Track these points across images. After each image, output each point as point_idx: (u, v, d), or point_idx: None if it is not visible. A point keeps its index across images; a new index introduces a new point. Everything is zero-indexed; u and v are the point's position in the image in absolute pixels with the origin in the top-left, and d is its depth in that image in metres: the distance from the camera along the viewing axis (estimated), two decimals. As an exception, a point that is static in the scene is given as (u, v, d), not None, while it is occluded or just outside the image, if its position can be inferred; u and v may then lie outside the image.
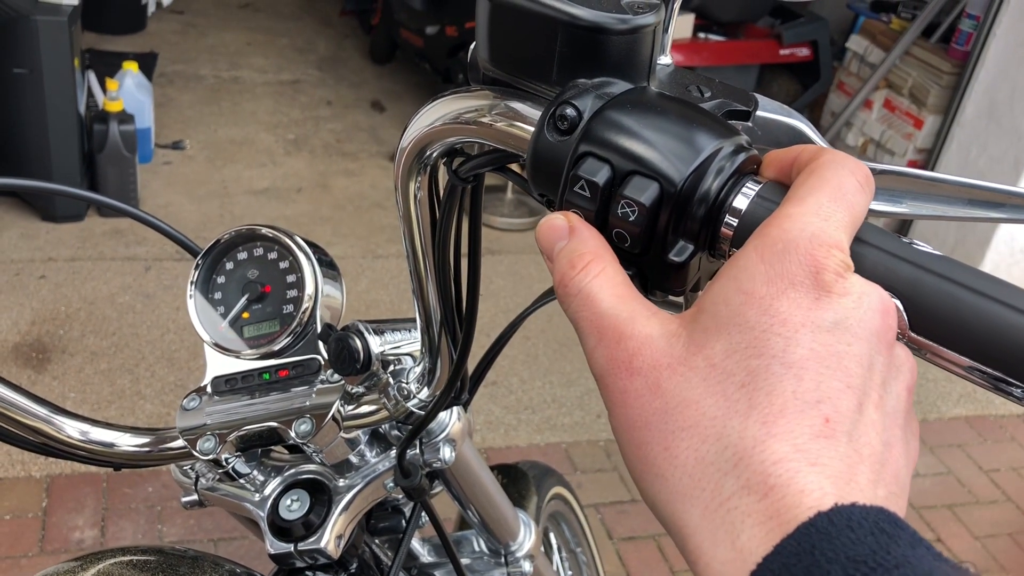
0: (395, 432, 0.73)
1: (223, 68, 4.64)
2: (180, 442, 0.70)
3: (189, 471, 0.76)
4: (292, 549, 0.69)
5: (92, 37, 4.49)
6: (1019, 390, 0.31)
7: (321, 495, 0.71)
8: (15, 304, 2.67)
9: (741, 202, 0.35)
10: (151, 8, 5.03)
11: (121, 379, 2.45)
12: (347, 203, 3.56)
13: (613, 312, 0.35)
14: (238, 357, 0.69)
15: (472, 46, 0.44)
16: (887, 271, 0.33)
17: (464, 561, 0.92)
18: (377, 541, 0.84)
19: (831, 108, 4.19)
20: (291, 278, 0.70)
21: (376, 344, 0.66)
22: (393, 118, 4.30)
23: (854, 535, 0.28)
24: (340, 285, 0.72)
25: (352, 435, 0.70)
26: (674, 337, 0.34)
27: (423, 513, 0.82)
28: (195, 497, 0.76)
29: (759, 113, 0.41)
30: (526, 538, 0.92)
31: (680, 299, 0.47)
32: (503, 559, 0.91)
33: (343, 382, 0.67)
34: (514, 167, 0.47)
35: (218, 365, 0.70)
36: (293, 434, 0.65)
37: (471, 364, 0.78)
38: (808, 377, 0.31)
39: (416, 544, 0.92)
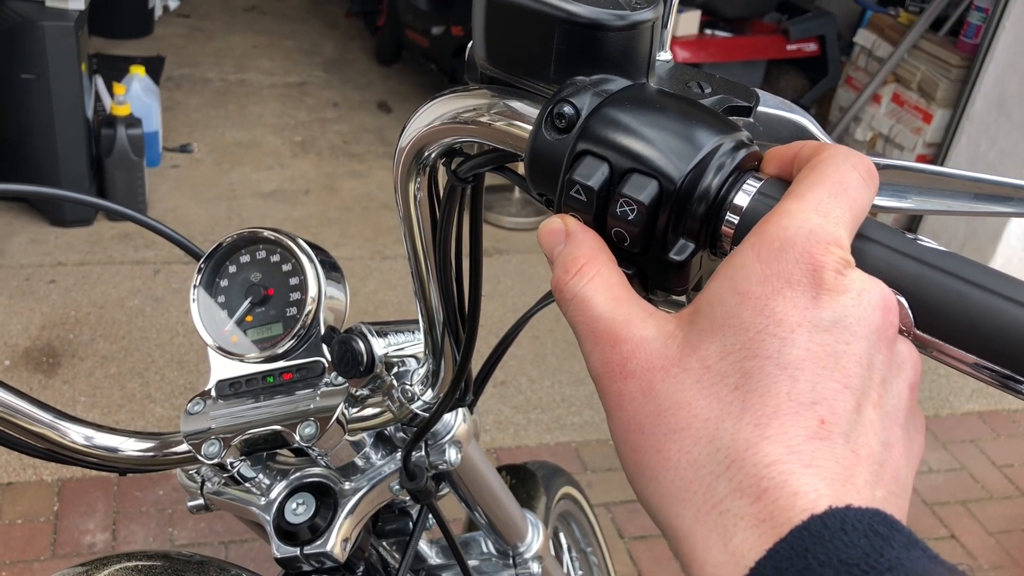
0: (400, 434, 0.73)
1: (229, 71, 4.65)
2: (185, 446, 0.70)
3: (195, 475, 0.76)
4: (298, 553, 0.69)
5: (99, 42, 4.51)
6: None
7: (327, 498, 0.71)
8: (25, 309, 2.68)
9: (742, 199, 0.35)
10: (158, 12, 5.04)
11: (131, 383, 2.45)
12: (354, 204, 3.56)
13: (608, 315, 0.35)
14: (242, 360, 0.69)
15: (470, 45, 0.43)
16: (890, 267, 0.32)
17: (472, 563, 0.92)
18: (384, 544, 0.84)
19: (839, 103, 4.17)
20: (294, 281, 0.69)
21: (379, 346, 0.66)
22: (400, 119, 4.29)
23: (847, 538, 0.27)
24: (343, 287, 0.71)
25: (357, 438, 0.69)
26: (669, 339, 0.34)
27: (430, 515, 0.81)
28: (201, 501, 0.75)
29: (760, 109, 0.40)
30: (534, 539, 0.91)
31: (682, 298, 0.46)
32: (511, 560, 0.91)
33: (347, 385, 0.66)
34: (513, 166, 0.46)
35: (222, 369, 0.70)
36: (298, 437, 0.65)
37: (476, 365, 0.78)
38: (804, 378, 0.30)
39: (423, 546, 0.92)
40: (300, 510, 0.70)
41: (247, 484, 0.72)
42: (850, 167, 0.34)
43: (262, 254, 0.71)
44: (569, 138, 0.37)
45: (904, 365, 0.33)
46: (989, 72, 3.42)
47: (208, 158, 3.75)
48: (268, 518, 0.70)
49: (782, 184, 0.35)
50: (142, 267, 2.96)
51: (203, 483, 0.75)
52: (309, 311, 0.67)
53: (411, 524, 0.83)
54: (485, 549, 0.93)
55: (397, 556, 0.83)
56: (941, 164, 3.35)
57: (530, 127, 0.39)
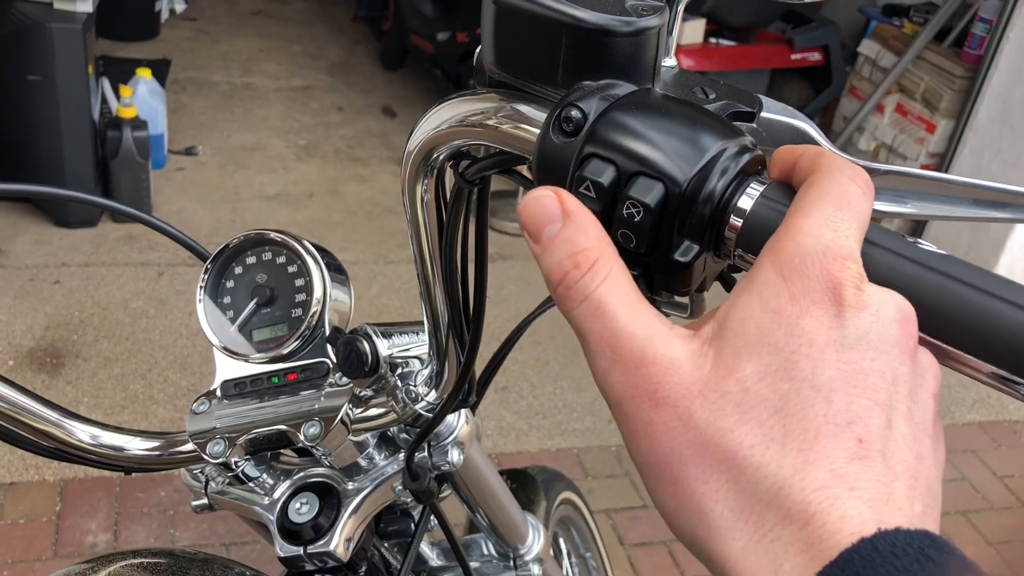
0: (404, 435, 0.74)
1: (235, 74, 4.66)
2: (190, 446, 0.71)
3: (199, 475, 0.76)
4: (301, 552, 0.69)
5: (106, 44, 4.53)
6: None
7: (330, 498, 0.71)
8: (29, 309, 2.69)
9: (745, 203, 0.35)
10: (164, 15, 5.06)
11: (134, 384, 2.46)
12: (358, 208, 3.57)
13: (629, 329, 0.33)
14: (247, 361, 0.70)
15: (478, 50, 0.44)
16: (890, 270, 0.33)
17: (473, 564, 0.92)
18: (386, 544, 0.84)
19: (843, 113, 4.17)
20: (299, 282, 0.70)
21: (384, 347, 0.67)
22: (404, 124, 4.31)
23: (899, 563, 0.27)
24: (348, 289, 0.72)
25: (361, 438, 0.70)
26: (700, 358, 0.32)
27: (432, 516, 0.82)
28: (205, 501, 0.76)
29: (763, 115, 0.41)
30: (535, 541, 0.92)
31: (685, 300, 0.47)
32: (512, 562, 0.91)
33: (351, 385, 0.67)
34: (520, 169, 0.47)
35: (227, 369, 0.70)
36: (302, 437, 0.65)
37: (479, 367, 0.78)
38: (837, 399, 0.30)
39: (425, 547, 0.93)
40: (304, 510, 0.70)
41: (251, 484, 0.72)
42: (848, 179, 0.33)
43: (268, 256, 0.71)
44: (576, 141, 0.37)
45: (926, 375, 0.33)
46: (993, 83, 3.42)
47: (213, 161, 3.76)
48: (272, 517, 0.71)
49: (785, 188, 0.36)
50: (146, 269, 2.96)
51: (207, 483, 0.76)
52: (314, 312, 0.68)
53: (413, 525, 0.84)
54: (486, 551, 0.93)
55: (399, 557, 0.84)
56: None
57: (537, 131, 0.40)
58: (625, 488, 2.40)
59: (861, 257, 0.33)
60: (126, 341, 2.62)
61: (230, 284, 0.72)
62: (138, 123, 3.11)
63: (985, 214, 0.39)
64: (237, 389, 0.70)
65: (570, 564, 1.56)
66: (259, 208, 3.46)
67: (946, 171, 3.60)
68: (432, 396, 0.67)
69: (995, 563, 2.33)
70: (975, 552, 2.36)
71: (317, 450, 0.68)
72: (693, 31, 3.74)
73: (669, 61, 0.42)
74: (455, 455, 0.73)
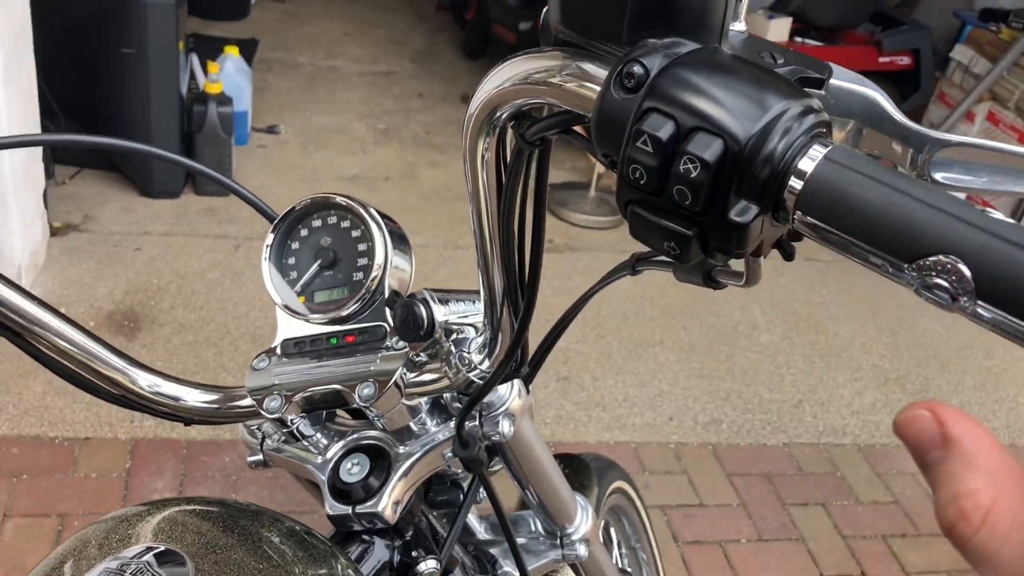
0: (456, 404, 0.74)
1: (320, 57, 4.74)
2: (247, 401, 0.72)
3: (256, 431, 0.78)
4: (350, 511, 0.70)
5: (196, 22, 4.65)
6: None
7: (381, 461, 0.72)
8: (111, 274, 2.78)
9: (807, 164, 0.35)
10: (255, -3, 5.18)
11: (206, 351, 2.53)
12: (432, 194, 3.60)
13: None
14: (307, 321, 0.71)
15: (545, 9, 0.44)
16: (954, 233, 0.31)
17: (520, 540, 0.92)
18: (435, 513, 0.85)
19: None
20: (362, 246, 0.71)
21: (440, 313, 0.67)
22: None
23: None
24: (409, 256, 0.73)
25: (414, 403, 0.70)
26: None
27: (481, 488, 0.82)
28: (260, 457, 0.78)
29: (833, 82, 0.40)
30: (583, 522, 0.91)
31: (740, 267, 0.46)
32: (559, 541, 0.91)
33: (407, 350, 0.68)
34: (580, 129, 0.46)
35: (288, 328, 0.72)
36: (356, 397, 0.66)
37: (535, 342, 0.78)
38: None
39: (474, 521, 0.93)
40: (355, 470, 0.71)
41: (305, 442, 0.74)
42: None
43: (333, 219, 0.73)
44: (637, 97, 0.37)
45: None
46: (1094, 94, 3.28)
47: (294, 140, 3.84)
48: (323, 476, 0.72)
49: (850, 152, 0.35)
50: (224, 241, 3.04)
51: (263, 439, 0.77)
52: (375, 276, 0.69)
53: (462, 496, 0.84)
54: (534, 528, 0.93)
55: (447, 526, 0.84)
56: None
57: (599, 88, 0.39)
58: (682, 485, 2.37)
59: (921, 224, 0.31)
60: (200, 310, 2.69)
61: (295, 246, 0.73)
62: (223, 99, 3.19)
63: (1059, 189, 0.37)
64: (297, 348, 0.71)
65: (620, 554, 1.55)
66: (336, 188, 3.51)
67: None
68: (485, 364, 0.67)
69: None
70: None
71: (371, 411, 0.69)
72: (779, 29, 3.67)
73: (738, 26, 0.41)
74: (506, 426, 0.73)
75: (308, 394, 0.68)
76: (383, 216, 0.72)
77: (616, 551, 1.53)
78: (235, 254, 2.98)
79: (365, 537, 0.75)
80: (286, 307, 0.71)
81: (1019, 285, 0.30)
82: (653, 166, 0.36)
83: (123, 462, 2.14)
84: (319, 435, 0.74)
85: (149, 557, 0.59)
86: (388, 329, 0.69)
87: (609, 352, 2.83)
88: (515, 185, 0.53)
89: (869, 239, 0.33)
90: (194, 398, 0.72)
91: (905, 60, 3.92)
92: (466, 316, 0.69)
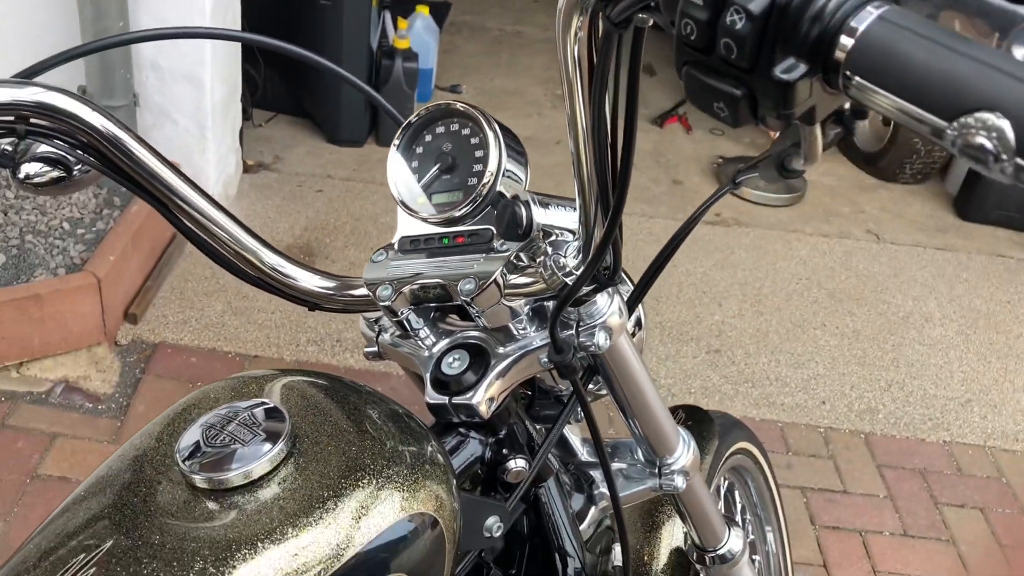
0: (558, 314, 0.77)
1: (508, 22, 4.83)
2: (363, 291, 0.78)
3: (374, 325, 0.84)
4: (447, 402, 0.74)
5: (395, -16, 4.84)
6: None
7: (480, 359, 0.76)
8: (293, 211, 2.98)
9: (859, 23, 0.34)
10: (452, -39, 5.32)
11: (370, 290, 2.67)
12: (602, 159, 3.61)
13: None
14: (425, 221, 0.75)
15: None
16: (997, 87, 0.31)
17: (619, 465, 0.94)
18: (537, 427, 0.88)
19: None
20: (479, 153, 0.74)
21: (540, 215, 0.70)
22: (663, 82, 4.28)
23: None
24: (524, 167, 0.75)
25: (513, 303, 0.73)
26: None
27: (579, 409, 0.84)
28: (375, 349, 0.84)
29: None
30: (683, 454, 0.91)
31: (800, 168, 0.46)
32: (658, 471, 0.92)
33: (509, 252, 0.71)
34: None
35: (406, 227, 0.77)
36: (459, 291, 0.70)
37: (646, 266, 0.79)
38: None
39: (576, 442, 0.95)
40: (455, 364, 0.75)
41: (414, 336, 0.79)
42: None
43: (455, 127, 0.76)
44: None
45: None
46: None
47: (474, 100, 3.92)
48: (427, 368, 0.77)
49: (907, 14, 0.34)
50: (398, 190, 3.18)
51: (379, 333, 0.83)
52: (487, 182, 0.72)
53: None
54: (633, 456, 0.94)
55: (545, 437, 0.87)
56: None
57: None
58: (827, 470, 2.30)
59: (964, 80, 0.31)
60: (369, 250, 2.84)
61: (419, 150, 0.78)
62: (410, 55, 3.32)
63: None
64: (412, 245, 0.76)
65: (742, 521, 1.53)
66: (508, 148, 3.59)
67: None
68: (580, 270, 0.69)
69: None
70: None
71: (472, 308, 0.73)
72: None
73: None
74: (601, 338, 0.75)
75: (416, 287, 0.73)
76: (501, 126, 0.75)
77: (739, 517, 1.51)
78: (407, 203, 3.11)
79: (462, 431, 0.80)
80: (406, 205, 0.75)
81: None
82: (702, 19, 0.37)
83: (286, 382, 2.30)
84: (427, 331, 0.78)
85: (258, 411, 0.65)
86: (495, 232, 0.72)
87: (766, 330, 2.76)
88: (605, 69, 0.55)
89: (915, 97, 0.33)
90: (314, 283, 0.79)
91: None
92: (564, 222, 0.72)
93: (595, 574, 0.97)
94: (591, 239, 0.67)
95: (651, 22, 0.51)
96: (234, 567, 0.56)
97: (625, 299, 0.80)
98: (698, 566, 1.07)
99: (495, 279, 0.70)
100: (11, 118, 0.64)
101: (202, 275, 2.54)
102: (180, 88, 2.52)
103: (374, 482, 0.62)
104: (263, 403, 0.66)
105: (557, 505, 0.88)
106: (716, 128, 4.02)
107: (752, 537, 1.58)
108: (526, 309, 0.76)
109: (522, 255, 0.72)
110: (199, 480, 0.61)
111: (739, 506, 1.52)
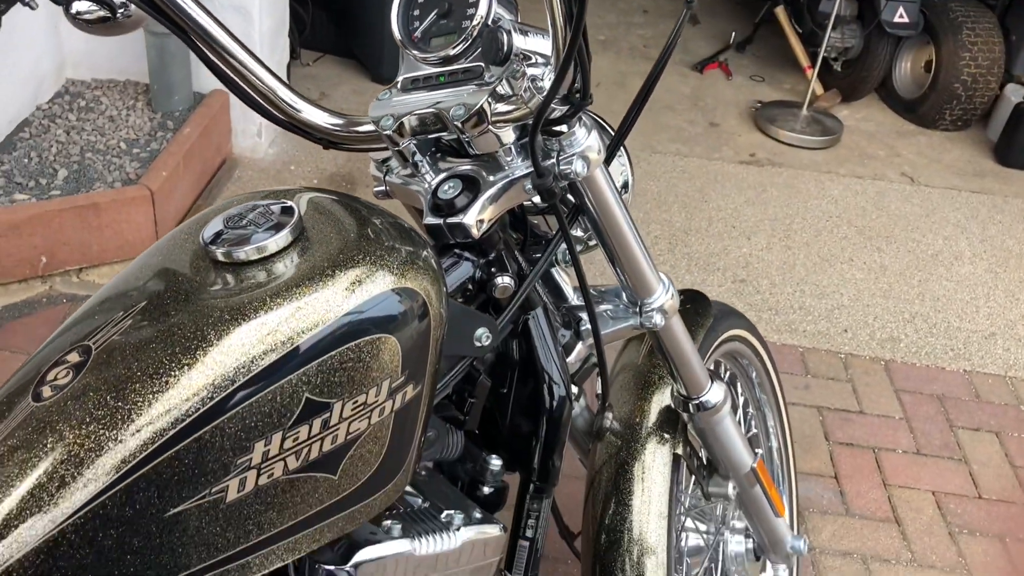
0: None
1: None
2: (369, 127, 0.88)
3: (382, 166, 0.95)
4: (442, 222, 0.85)
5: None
6: None
7: (473, 185, 0.86)
8: (337, 145, 3.09)
9: None
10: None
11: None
12: (640, 101, 3.66)
13: None
14: (424, 63, 0.85)
15: None
16: None
17: (604, 307, 1.03)
18: (526, 264, 0.97)
19: None
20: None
21: (520, 41, 0.79)
22: (706, 31, 4.31)
23: None
24: (514, 11, 0.84)
25: (500, 131, 0.83)
26: None
27: (564, 243, 0.93)
28: (384, 188, 0.94)
29: None
30: (663, 294, 1.00)
31: None
32: (639, 310, 1.01)
33: (494, 84, 0.80)
34: None
35: (408, 69, 0.87)
36: (450, 116, 0.80)
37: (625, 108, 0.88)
38: None
39: (568, 289, 1.05)
40: (449, 190, 0.85)
41: (416, 173, 0.89)
42: None
43: None
44: None
45: None
46: None
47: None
48: (425, 195, 0.87)
49: None
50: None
51: (386, 174, 0.94)
52: (477, 23, 0.82)
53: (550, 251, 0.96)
54: (617, 300, 1.03)
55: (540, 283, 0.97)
56: None
57: None
58: (845, 392, 2.36)
59: None
60: (409, 182, 2.95)
61: (420, 0, 0.87)
62: (451, -4, 3.40)
63: None
64: (412, 84, 0.86)
65: (744, 414, 1.61)
66: (548, 90, 3.67)
67: None
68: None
69: None
70: None
71: (464, 135, 0.83)
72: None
73: None
74: (579, 165, 0.84)
75: (414, 117, 0.83)
76: None
77: (740, 412, 1.58)
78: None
79: (457, 252, 0.90)
80: (403, 44, 0.85)
81: None
82: None
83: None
84: (427, 166, 0.88)
85: (275, 206, 0.76)
86: (484, 68, 0.82)
87: (793, 263, 2.81)
88: None
89: None
90: (324, 119, 0.89)
91: None
92: (544, 49, 0.81)
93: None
94: (560, 57, 0.75)
95: None
96: (246, 321, 0.67)
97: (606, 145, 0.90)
98: (683, 414, 1.16)
99: (481, 105, 0.79)
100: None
101: (249, 200, 2.67)
102: (228, 16, 2.64)
103: (369, 261, 0.72)
104: (280, 202, 0.77)
105: (546, 335, 0.97)
106: (756, 75, 4.04)
107: (756, 431, 1.66)
108: (513, 142, 0.85)
109: (506, 84, 0.81)
110: (220, 254, 0.72)
111: (741, 400, 1.60)
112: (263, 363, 0.66)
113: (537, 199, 0.96)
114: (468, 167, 0.88)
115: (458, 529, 0.86)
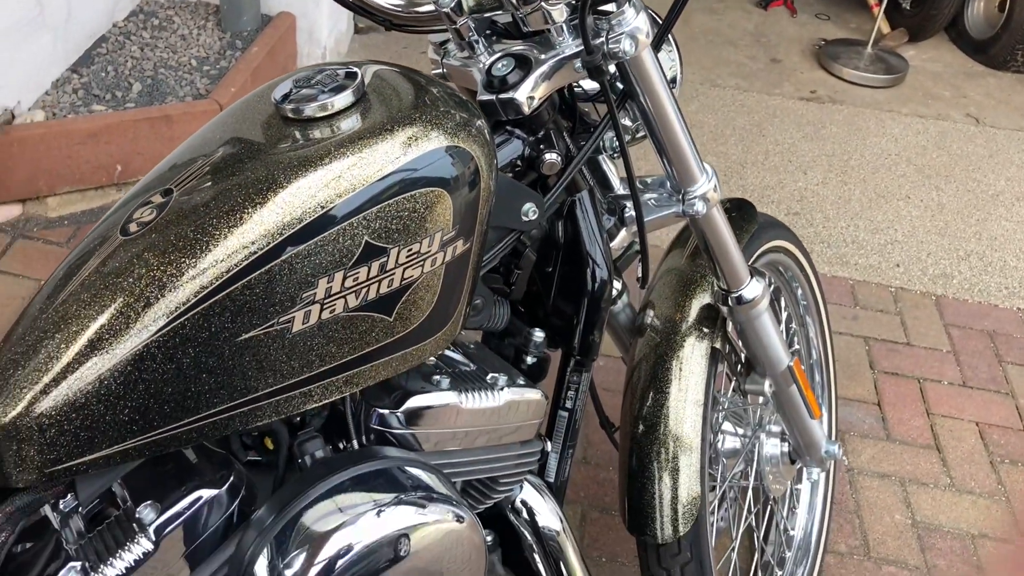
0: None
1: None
2: (428, 8, 0.93)
3: (440, 50, 1.00)
4: (495, 98, 0.89)
5: None
6: None
7: (525, 64, 0.90)
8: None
9: None
10: None
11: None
12: (701, 36, 3.64)
13: None
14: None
15: None
16: None
17: (649, 196, 1.07)
18: (574, 147, 1.01)
19: None
20: None
21: None
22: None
23: None
24: None
25: (553, 8, 0.87)
26: None
27: (611, 126, 0.97)
28: (442, 70, 0.99)
29: None
30: (705, 183, 1.04)
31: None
32: (681, 198, 1.05)
33: None
34: None
35: None
36: None
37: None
38: None
39: (614, 178, 1.09)
40: (503, 68, 0.90)
41: (471, 55, 0.93)
42: None
43: None
44: None
45: None
46: None
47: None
48: (480, 73, 0.92)
49: None
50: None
51: (443, 56, 0.99)
52: None
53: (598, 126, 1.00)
54: (661, 189, 1.07)
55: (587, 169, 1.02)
56: None
57: None
58: (893, 325, 2.37)
59: None
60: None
61: None
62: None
63: None
64: None
65: (786, 328, 1.64)
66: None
67: None
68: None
69: None
70: None
71: (517, 11, 0.87)
72: None
73: None
74: (627, 44, 0.88)
75: (472, -4, 0.88)
76: None
77: (783, 326, 1.61)
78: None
79: (508, 129, 0.95)
80: (465, -73, 0.90)
81: None
82: None
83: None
84: (482, 47, 0.93)
85: (340, 71, 0.82)
86: (531, -53, 0.86)
87: (848, 198, 2.80)
88: None
89: None
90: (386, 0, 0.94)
91: None
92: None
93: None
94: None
95: None
96: (312, 169, 0.73)
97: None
98: (723, 308, 1.20)
99: (535, -23, 0.84)
100: None
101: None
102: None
103: (426, 120, 0.78)
104: (345, 67, 0.82)
105: (590, 217, 1.02)
106: (822, 13, 3.97)
107: (798, 347, 1.69)
108: (565, 21, 0.89)
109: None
110: (289, 111, 0.78)
111: (784, 315, 1.63)
112: (327, 206, 0.72)
113: (587, 84, 1.00)
114: (521, 47, 0.92)
115: (502, 389, 0.92)
